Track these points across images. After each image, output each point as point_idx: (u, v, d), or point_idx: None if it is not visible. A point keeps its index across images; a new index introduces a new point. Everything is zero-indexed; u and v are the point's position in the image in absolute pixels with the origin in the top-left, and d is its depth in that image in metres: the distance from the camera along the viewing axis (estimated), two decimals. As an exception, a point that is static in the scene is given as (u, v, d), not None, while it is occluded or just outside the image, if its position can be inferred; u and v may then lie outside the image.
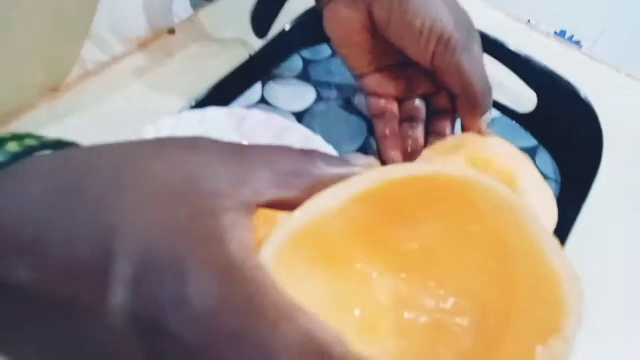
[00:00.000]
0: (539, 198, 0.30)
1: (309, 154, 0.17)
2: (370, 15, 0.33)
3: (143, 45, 0.44)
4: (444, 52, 0.31)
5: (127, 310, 0.13)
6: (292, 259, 0.16)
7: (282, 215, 0.16)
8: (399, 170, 0.17)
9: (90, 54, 0.42)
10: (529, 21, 0.99)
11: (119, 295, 0.13)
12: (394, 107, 0.37)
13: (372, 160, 0.18)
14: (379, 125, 0.37)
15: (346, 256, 0.19)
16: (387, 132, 0.37)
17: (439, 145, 0.32)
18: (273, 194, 0.16)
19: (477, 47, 0.33)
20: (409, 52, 0.33)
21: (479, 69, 0.31)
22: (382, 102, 0.37)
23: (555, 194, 0.37)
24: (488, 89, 0.32)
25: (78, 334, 0.14)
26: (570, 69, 0.39)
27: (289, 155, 0.17)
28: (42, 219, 0.14)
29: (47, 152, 0.17)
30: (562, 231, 0.34)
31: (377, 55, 0.35)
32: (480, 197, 0.18)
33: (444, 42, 0.30)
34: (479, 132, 0.32)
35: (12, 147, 0.16)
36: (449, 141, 0.32)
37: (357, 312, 0.19)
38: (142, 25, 0.44)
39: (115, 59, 0.43)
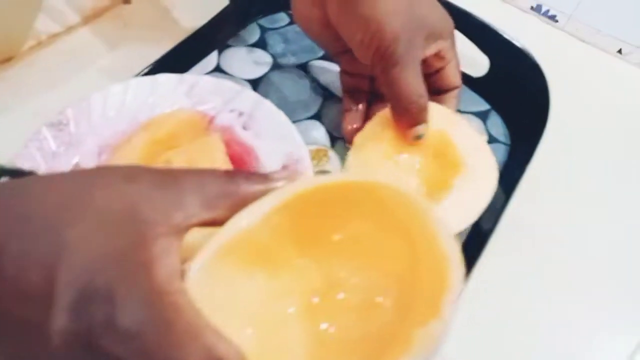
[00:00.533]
0: (475, 154, 0.30)
1: (233, 176, 0.19)
2: (326, 13, 0.33)
3: (98, 14, 0.44)
4: (379, 63, 0.31)
5: (66, 332, 0.15)
6: (227, 267, 0.19)
7: (209, 233, 0.19)
8: (308, 183, 0.20)
9: (44, 25, 0.42)
10: (506, -5, 0.98)
11: (60, 320, 0.15)
12: (365, 84, 0.37)
13: (291, 172, 0.21)
14: (346, 100, 0.37)
15: (282, 254, 0.21)
16: (352, 107, 0.37)
17: (368, 129, 0.32)
18: (203, 216, 0.18)
19: (441, 47, 0.32)
20: (355, 53, 0.33)
21: (410, 84, 0.30)
22: (353, 79, 0.37)
23: (504, 156, 0.38)
24: (418, 105, 0.30)
25: (31, 350, 0.16)
26: (521, 32, 0.40)
27: (215, 179, 0.19)
28: None
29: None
30: (507, 191, 0.34)
31: (343, 42, 0.35)
32: (387, 195, 0.21)
33: (379, 54, 0.30)
34: (409, 141, 0.31)
35: None
36: (377, 122, 0.32)
37: (297, 300, 0.21)
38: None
39: (70, 29, 0.43)
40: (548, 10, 0.95)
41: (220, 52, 0.42)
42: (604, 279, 0.34)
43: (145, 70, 0.38)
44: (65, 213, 0.16)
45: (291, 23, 0.45)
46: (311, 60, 0.43)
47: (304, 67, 0.42)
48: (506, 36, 0.39)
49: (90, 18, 0.43)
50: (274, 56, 0.43)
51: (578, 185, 0.37)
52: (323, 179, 0.21)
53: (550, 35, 0.48)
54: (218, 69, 0.42)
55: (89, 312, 0.15)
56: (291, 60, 0.43)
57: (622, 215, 0.37)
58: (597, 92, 0.42)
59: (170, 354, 0.16)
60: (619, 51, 0.93)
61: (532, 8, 0.94)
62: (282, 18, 0.45)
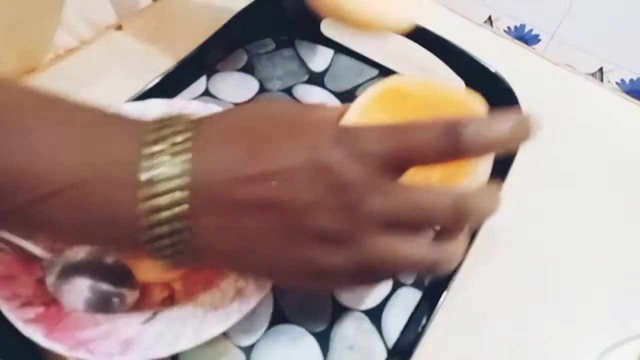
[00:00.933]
0: None
1: (335, 106, 0.27)
2: None
3: (88, 42, 0.46)
4: None
5: (342, 157, 0.21)
6: None
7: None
8: (380, 86, 0.30)
9: (62, 40, 0.44)
10: (490, 17, 1.01)
11: (333, 153, 0.21)
12: None
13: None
14: None
15: None
16: None
17: None
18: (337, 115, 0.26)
19: None
20: None
21: None
22: None
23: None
24: None
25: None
26: (497, 57, 0.41)
27: (328, 106, 0.26)
28: (243, 141, 0.22)
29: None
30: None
31: None
32: (438, 86, 0.31)
33: None
34: None
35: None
36: None
37: None
38: (109, 11, 0.46)
39: (85, 43, 0.45)
40: (531, 30, 0.97)
41: (208, 77, 0.44)
42: (579, 287, 0.36)
43: (136, 96, 0.40)
44: (285, 119, 0.23)
45: (277, 48, 0.47)
46: (296, 84, 0.44)
47: (289, 91, 0.44)
48: (481, 62, 0.41)
49: (103, 33, 0.45)
50: (260, 80, 0.44)
51: (551, 200, 0.39)
52: (377, 88, 0.30)
53: (526, 59, 0.50)
54: (207, 93, 0.43)
55: (347, 143, 0.21)
56: (277, 84, 0.44)
57: (596, 225, 0.39)
58: (569, 114, 0.44)
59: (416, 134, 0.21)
60: (600, 69, 0.96)
61: (515, 28, 0.97)
62: (269, 43, 0.47)
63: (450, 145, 0.21)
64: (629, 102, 0.48)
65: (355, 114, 0.29)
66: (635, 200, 0.40)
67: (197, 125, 0.22)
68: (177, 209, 0.20)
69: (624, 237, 0.38)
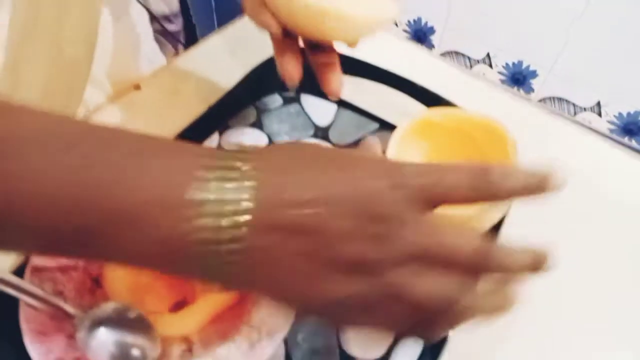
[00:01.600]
0: None
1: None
2: None
3: (111, 100, 0.49)
4: None
5: (407, 194, 0.23)
6: None
7: None
8: (414, 119, 0.40)
9: (91, 95, 0.47)
10: (488, 54, 1.04)
11: (395, 194, 0.23)
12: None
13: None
14: (277, 46, 0.39)
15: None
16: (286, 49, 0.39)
17: None
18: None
19: None
20: None
21: None
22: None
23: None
24: None
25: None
26: (490, 107, 0.44)
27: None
28: (305, 173, 0.23)
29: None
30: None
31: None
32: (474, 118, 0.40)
33: None
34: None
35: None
36: None
37: None
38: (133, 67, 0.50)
39: (108, 102, 0.49)
40: (529, 66, 1.00)
41: (221, 133, 0.47)
42: (580, 335, 0.37)
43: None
44: (345, 159, 0.25)
45: (284, 104, 0.50)
46: (302, 138, 0.47)
47: (296, 144, 0.47)
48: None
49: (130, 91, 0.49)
50: (269, 135, 0.48)
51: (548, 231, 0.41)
52: (416, 117, 0.39)
53: (520, 108, 0.52)
54: (219, 149, 0.46)
55: (391, 176, 0.23)
56: (285, 138, 0.47)
57: (596, 270, 0.40)
58: (561, 160, 0.46)
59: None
60: (598, 103, 0.98)
61: (513, 64, 1.00)
62: (276, 99, 0.50)
63: (477, 188, 0.23)
64: (619, 146, 0.50)
65: (395, 147, 0.35)
66: (630, 245, 0.42)
67: (257, 155, 0.24)
68: (237, 231, 0.22)
69: (624, 284, 0.40)
